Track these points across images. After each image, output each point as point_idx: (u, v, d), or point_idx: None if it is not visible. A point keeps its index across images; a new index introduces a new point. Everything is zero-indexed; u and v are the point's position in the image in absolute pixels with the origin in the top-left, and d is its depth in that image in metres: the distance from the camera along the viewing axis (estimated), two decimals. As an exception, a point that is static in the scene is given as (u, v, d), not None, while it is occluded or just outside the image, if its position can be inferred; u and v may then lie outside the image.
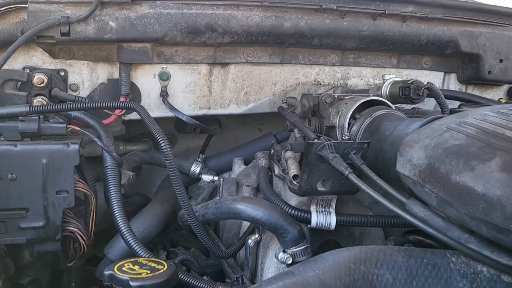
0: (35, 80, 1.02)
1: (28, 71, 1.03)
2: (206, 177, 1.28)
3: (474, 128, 0.65)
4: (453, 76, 1.45)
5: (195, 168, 1.30)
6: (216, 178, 1.27)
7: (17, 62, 1.07)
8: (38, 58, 1.09)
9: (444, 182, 0.60)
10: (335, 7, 1.18)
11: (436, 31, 1.30)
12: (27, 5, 1.02)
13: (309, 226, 0.89)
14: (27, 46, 1.07)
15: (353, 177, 0.72)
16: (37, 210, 0.90)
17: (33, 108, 0.95)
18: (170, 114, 1.20)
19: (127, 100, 1.12)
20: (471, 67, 1.39)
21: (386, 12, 1.23)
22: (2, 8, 1.02)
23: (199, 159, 1.32)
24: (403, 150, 0.71)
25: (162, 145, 0.91)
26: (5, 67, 0.96)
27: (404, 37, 1.28)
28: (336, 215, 0.88)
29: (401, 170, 0.71)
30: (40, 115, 0.96)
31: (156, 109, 1.20)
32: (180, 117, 1.20)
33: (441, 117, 0.78)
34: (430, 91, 1.04)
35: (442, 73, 1.44)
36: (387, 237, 0.94)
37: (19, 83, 1.01)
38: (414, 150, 0.69)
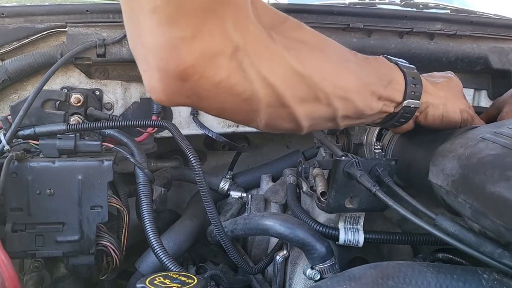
0: (72, 100, 1.06)
1: (66, 91, 1.08)
2: (235, 194, 1.30)
3: (510, 138, 0.63)
4: (483, 93, 1.43)
5: (224, 185, 1.32)
6: (244, 194, 1.29)
7: (56, 82, 1.12)
8: (75, 79, 1.14)
9: (479, 193, 0.59)
10: (362, 26, 1.19)
11: (465, 48, 1.29)
12: (66, 29, 1.08)
13: (337, 243, 0.89)
14: (65, 67, 1.12)
15: (381, 194, 0.72)
16: (73, 224, 0.93)
17: (70, 126, 0.99)
18: (200, 131, 1.23)
19: (159, 118, 1.16)
20: (502, 83, 1.36)
21: (414, 30, 1.24)
22: (44, 32, 1.07)
23: (228, 176, 1.34)
24: (436, 160, 0.71)
25: (192, 162, 0.93)
26: (45, 87, 1.00)
27: (432, 55, 1.28)
28: (364, 232, 0.88)
29: (434, 180, 0.70)
30: (76, 133, 1.00)
31: (186, 127, 1.23)
32: (209, 134, 1.22)
33: (475, 127, 0.77)
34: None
35: (472, 90, 1.42)
36: (416, 255, 0.93)
37: (58, 102, 1.06)
38: (447, 160, 0.68)
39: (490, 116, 1.05)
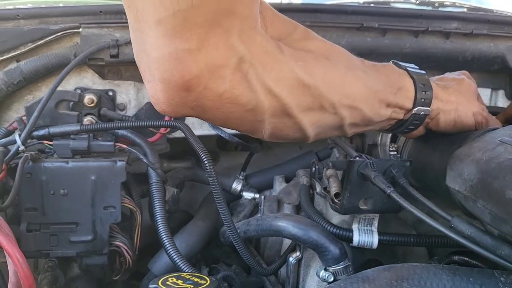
0: (85, 100, 1.07)
1: (79, 91, 1.08)
2: (247, 195, 1.29)
3: None
4: (500, 93, 1.41)
5: (236, 186, 1.31)
6: (257, 195, 1.28)
7: (70, 83, 1.13)
8: (89, 79, 1.15)
9: (498, 198, 0.58)
10: (376, 25, 1.18)
11: (481, 47, 1.27)
12: (80, 30, 1.08)
13: (351, 244, 0.88)
14: (79, 68, 1.13)
15: (395, 195, 0.71)
16: (86, 225, 0.93)
17: (84, 127, 0.99)
18: (212, 132, 1.22)
19: (172, 119, 1.16)
20: (519, 83, 1.34)
21: (429, 29, 1.22)
22: (58, 34, 1.08)
23: (241, 177, 1.33)
24: (453, 164, 0.69)
25: (205, 162, 0.92)
26: (59, 88, 1.01)
27: (447, 54, 1.26)
28: (378, 234, 0.87)
29: (451, 184, 0.69)
30: (90, 134, 1.00)
31: (199, 128, 1.23)
32: (222, 135, 1.22)
33: (493, 130, 0.75)
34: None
35: (489, 90, 1.40)
36: (431, 257, 0.91)
37: (71, 103, 1.06)
38: (465, 164, 0.67)
39: (508, 116, 1.03)
